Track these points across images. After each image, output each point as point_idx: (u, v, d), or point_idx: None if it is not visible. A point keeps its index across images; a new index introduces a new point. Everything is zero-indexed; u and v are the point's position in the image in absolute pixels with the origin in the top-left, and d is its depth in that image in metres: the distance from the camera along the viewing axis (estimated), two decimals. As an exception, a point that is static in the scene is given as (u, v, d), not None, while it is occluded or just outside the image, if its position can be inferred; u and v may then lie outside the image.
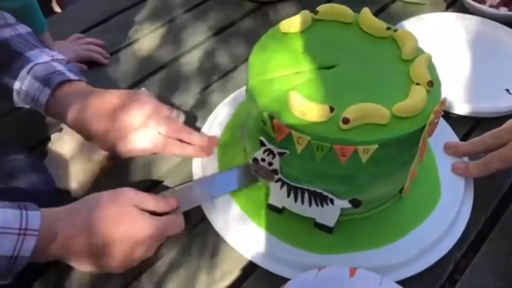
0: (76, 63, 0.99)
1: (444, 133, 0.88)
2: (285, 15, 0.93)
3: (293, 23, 0.77)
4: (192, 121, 0.92)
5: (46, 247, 0.59)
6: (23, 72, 0.73)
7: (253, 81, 0.71)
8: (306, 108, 0.65)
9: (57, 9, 1.76)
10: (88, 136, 0.74)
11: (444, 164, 0.84)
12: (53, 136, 0.84)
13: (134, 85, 0.98)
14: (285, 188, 0.72)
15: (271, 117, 0.67)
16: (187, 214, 0.72)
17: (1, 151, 0.75)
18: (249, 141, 0.76)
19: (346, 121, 0.64)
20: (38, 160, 0.78)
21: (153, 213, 0.66)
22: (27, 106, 0.77)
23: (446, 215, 0.78)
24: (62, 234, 0.60)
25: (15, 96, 0.75)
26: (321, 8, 0.79)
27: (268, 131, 0.68)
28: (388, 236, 0.74)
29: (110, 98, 0.73)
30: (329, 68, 0.73)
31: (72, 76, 0.75)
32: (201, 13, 1.16)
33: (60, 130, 0.85)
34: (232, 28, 1.12)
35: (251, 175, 0.73)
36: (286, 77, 0.71)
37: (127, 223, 0.62)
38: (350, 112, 0.65)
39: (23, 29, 0.78)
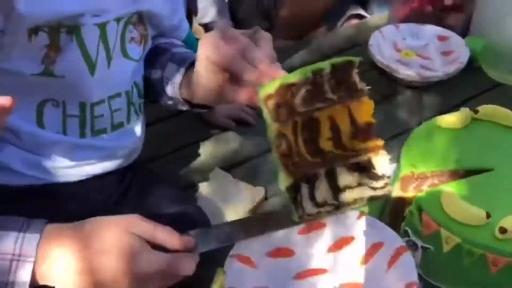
0: (225, 119, 1.05)
1: None
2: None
3: (451, 119, 0.78)
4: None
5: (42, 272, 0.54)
6: (166, 60, 0.75)
7: (404, 171, 0.72)
8: (460, 209, 0.65)
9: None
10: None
11: None
12: (201, 185, 0.90)
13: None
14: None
15: (420, 210, 0.67)
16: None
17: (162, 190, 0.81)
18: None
19: (503, 230, 0.62)
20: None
21: (161, 248, 0.57)
22: (170, 102, 0.78)
23: None
24: (54, 262, 0.54)
25: (156, 88, 0.76)
26: (482, 108, 0.79)
27: (415, 223, 0.68)
28: None
29: None
30: (485, 170, 0.72)
31: None
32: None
33: (207, 179, 0.91)
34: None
35: (292, 219, 0.59)
36: (440, 173, 0.72)
37: (122, 256, 0.54)
38: (508, 222, 0.63)
39: (177, 42, 0.82)
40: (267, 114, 0.54)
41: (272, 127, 0.53)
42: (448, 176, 0.71)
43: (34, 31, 0.61)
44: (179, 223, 0.74)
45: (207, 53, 0.62)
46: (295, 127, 0.54)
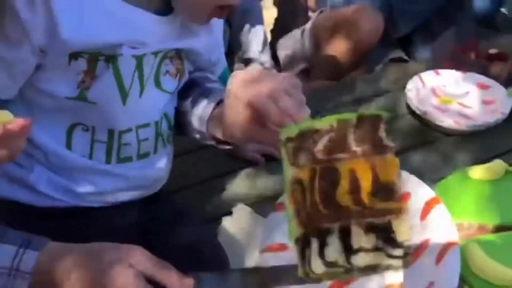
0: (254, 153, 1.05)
1: None
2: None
3: (483, 170, 0.75)
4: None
5: None
6: (197, 94, 0.75)
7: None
8: (487, 266, 0.62)
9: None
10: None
11: None
12: (224, 219, 0.89)
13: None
14: None
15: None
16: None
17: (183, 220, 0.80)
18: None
19: (531, 293, 0.59)
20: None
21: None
22: (197, 136, 0.78)
23: None
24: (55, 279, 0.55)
25: (185, 120, 0.76)
26: (518, 161, 0.76)
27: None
28: None
29: None
30: (517, 227, 0.69)
31: None
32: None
33: (231, 213, 0.91)
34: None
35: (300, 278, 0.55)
36: (468, 226, 0.69)
37: (107, 281, 0.54)
38: (538, 284, 0.59)
39: (212, 77, 0.82)
40: (285, 157, 0.52)
41: (289, 171, 0.51)
42: (477, 229, 0.68)
43: (74, 56, 0.63)
44: (196, 258, 0.74)
45: (236, 89, 0.63)
46: (312, 174, 0.52)
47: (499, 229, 0.68)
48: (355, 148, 0.52)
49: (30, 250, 0.56)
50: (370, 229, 0.52)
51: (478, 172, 0.75)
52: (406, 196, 0.57)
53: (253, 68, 0.64)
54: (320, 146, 0.52)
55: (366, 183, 0.52)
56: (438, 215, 0.57)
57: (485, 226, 0.69)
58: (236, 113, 0.65)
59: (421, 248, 0.56)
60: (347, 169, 0.52)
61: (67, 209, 0.71)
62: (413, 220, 0.56)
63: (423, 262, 0.56)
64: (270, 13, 1.76)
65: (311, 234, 0.51)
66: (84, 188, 0.71)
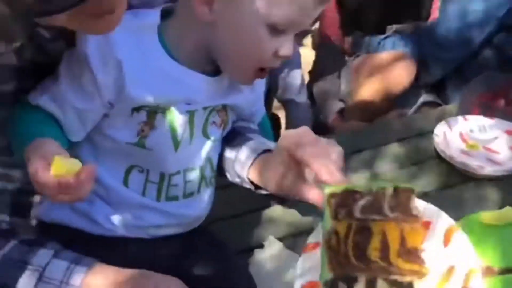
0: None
1: None
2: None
3: (493, 215, 0.80)
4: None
5: None
6: (240, 143, 0.83)
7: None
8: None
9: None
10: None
11: None
12: (256, 251, 0.97)
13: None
14: None
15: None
16: None
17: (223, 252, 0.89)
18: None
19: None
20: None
21: None
22: (237, 180, 0.85)
23: None
24: None
25: (228, 165, 0.85)
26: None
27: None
28: None
29: None
30: (522, 271, 0.73)
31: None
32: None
33: (262, 246, 0.98)
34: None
35: None
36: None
37: None
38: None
39: (253, 126, 0.89)
40: (327, 209, 0.61)
41: (329, 222, 0.60)
42: (483, 272, 0.73)
43: (137, 109, 0.74)
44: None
45: (288, 145, 0.72)
46: (349, 229, 0.61)
47: (504, 271, 0.73)
48: (388, 213, 0.62)
49: (80, 266, 0.66)
50: (394, 284, 0.60)
51: (488, 217, 0.80)
52: (427, 224, 0.64)
53: (304, 130, 0.73)
54: (358, 206, 0.61)
55: (394, 245, 0.61)
56: (459, 242, 0.62)
57: (491, 268, 0.74)
58: (286, 169, 0.73)
59: (447, 275, 0.61)
60: (379, 229, 0.61)
61: (115, 238, 0.81)
62: (437, 247, 0.63)
63: None
64: (308, 54, 1.85)
65: (340, 279, 0.58)
66: (134, 221, 0.80)
